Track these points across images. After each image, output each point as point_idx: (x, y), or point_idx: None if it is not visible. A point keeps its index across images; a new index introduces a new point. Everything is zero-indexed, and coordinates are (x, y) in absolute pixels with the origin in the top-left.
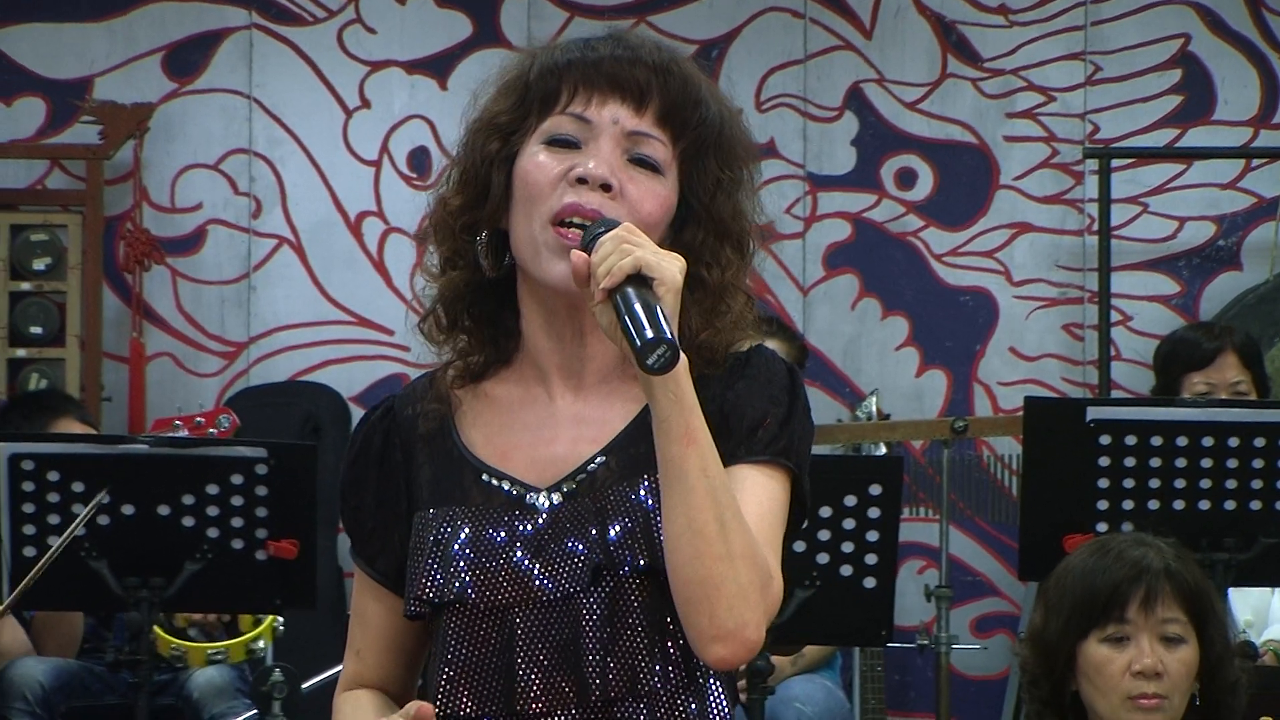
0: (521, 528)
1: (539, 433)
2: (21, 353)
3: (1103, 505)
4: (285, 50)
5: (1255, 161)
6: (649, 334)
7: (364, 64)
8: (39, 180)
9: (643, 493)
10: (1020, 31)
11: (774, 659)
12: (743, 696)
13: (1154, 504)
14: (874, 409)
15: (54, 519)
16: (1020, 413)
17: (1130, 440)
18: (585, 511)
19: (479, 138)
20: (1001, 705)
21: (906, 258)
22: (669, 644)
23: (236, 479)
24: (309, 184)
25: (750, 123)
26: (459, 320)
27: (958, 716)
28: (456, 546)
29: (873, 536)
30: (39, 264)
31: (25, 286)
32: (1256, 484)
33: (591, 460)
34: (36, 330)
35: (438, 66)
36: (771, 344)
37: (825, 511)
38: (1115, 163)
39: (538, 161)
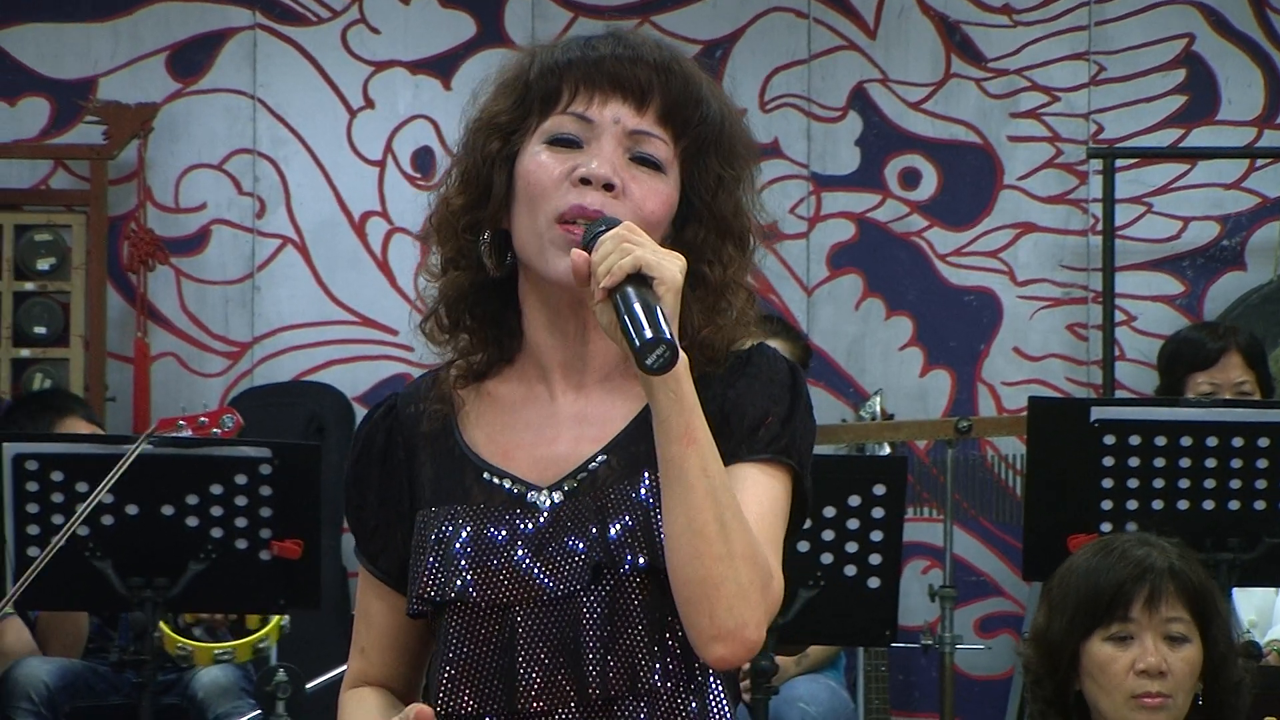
0: (522, 526)
1: (540, 431)
2: (26, 353)
3: (1107, 505)
4: (289, 50)
5: (1259, 161)
6: (648, 334)
7: (368, 64)
8: (43, 180)
9: (643, 491)
10: (1024, 31)
11: (778, 659)
12: (746, 696)
13: (1158, 504)
14: (878, 409)
15: (58, 519)
16: (1024, 413)
17: (1134, 440)
18: (586, 510)
19: (480, 137)
20: (1006, 705)
21: (910, 258)
22: (669, 642)
23: (240, 479)
24: (313, 184)
25: (754, 123)
26: (461, 320)
27: (962, 716)
28: (458, 545)
29: (877, 536)
30: (43, 264)
31: (29, 286)
32: (1260, 484)
33: (593, 459)
34: (41, 330)
35: (441, 66)
36: (775, 344)
37: (829, 511)
38: (1119, 163)
39: (540, 161)
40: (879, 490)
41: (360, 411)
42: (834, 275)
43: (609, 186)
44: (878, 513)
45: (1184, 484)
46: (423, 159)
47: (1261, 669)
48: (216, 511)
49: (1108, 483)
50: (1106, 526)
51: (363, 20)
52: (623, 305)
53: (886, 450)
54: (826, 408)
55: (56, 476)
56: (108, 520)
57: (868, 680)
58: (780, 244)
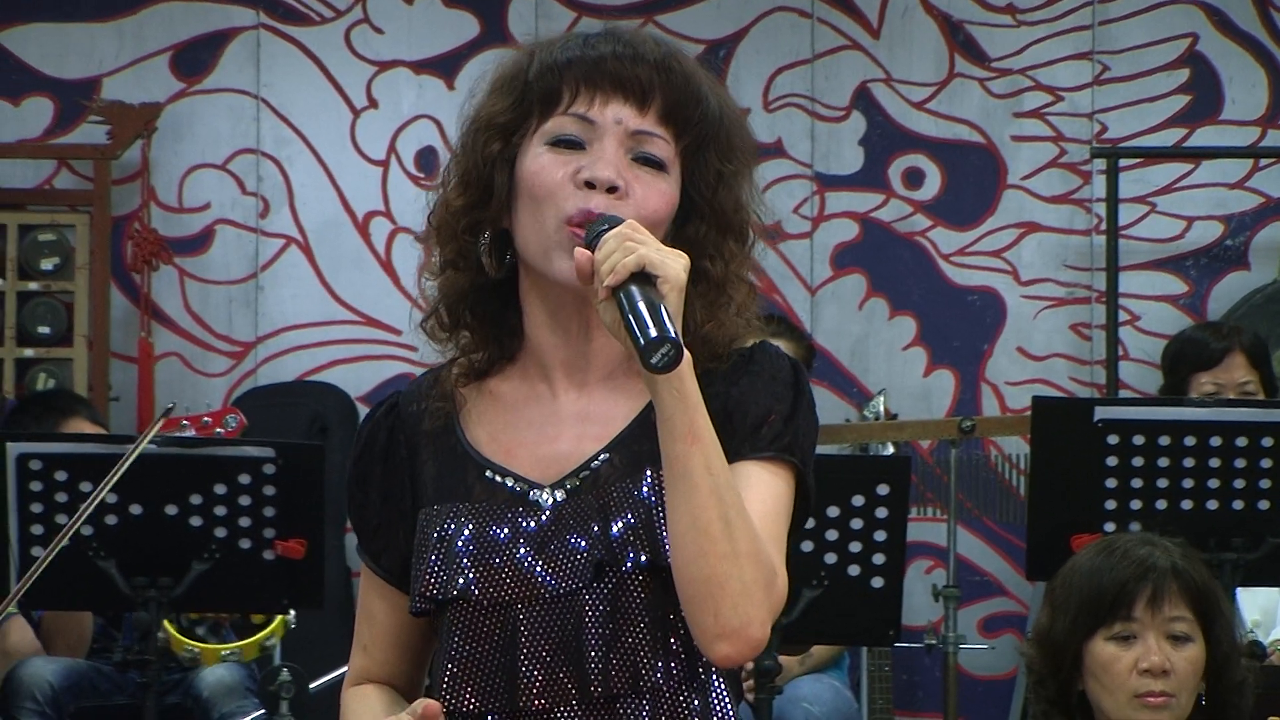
0: (525, 524)
1: (543, 430)
2: (29, 352)
3: (1110, 505)
4: (293, 50)
5: (1263, 161)
6: (653, 332)
7: (371, 64)
8: (47, 180)
9: (645, 489)
10: (1028, 31)
11: (781, 659)
12: (750, 696)
13: (1162, 504)
14: (881, 409)
15: (62, 519)
16: (1028, 412)
17: (1138, 440)
18: (588, 508)
19: (479, 138)
20: (1009, 705)
21: (914, 257)
22: (671, 640)
23: (244, 479)
24: (316, 184)
25: (758, 122)
26: (461, 319)
27: (965, 716)
28: (460, 543)
29: (880, 536)
30: (47, 264)
31: (33, 286)
32: (1264, 484)
33: (595, 457)
34: (44, 330)
35: (445, 66)
36: (778, 344)
37: (833, 511)
38: (1123, 162)
39: (542, 163)
40: (883, 490)
41: (364, 411)
42: (838, 275)
43: (613, 189)
44: (881, 513)
45: (1188, 484)
46: (426, 159)
47: (1265, 669)
48: (220, 511)
49: (1111, 482)
50: (1110, 526)
51: (366, 20)
52: (627, 304)
53: (890, 450)
54: (830, 408)
55: (60, 476)
56: (111, 520)
57: (871, 680)
58: (784, 244)
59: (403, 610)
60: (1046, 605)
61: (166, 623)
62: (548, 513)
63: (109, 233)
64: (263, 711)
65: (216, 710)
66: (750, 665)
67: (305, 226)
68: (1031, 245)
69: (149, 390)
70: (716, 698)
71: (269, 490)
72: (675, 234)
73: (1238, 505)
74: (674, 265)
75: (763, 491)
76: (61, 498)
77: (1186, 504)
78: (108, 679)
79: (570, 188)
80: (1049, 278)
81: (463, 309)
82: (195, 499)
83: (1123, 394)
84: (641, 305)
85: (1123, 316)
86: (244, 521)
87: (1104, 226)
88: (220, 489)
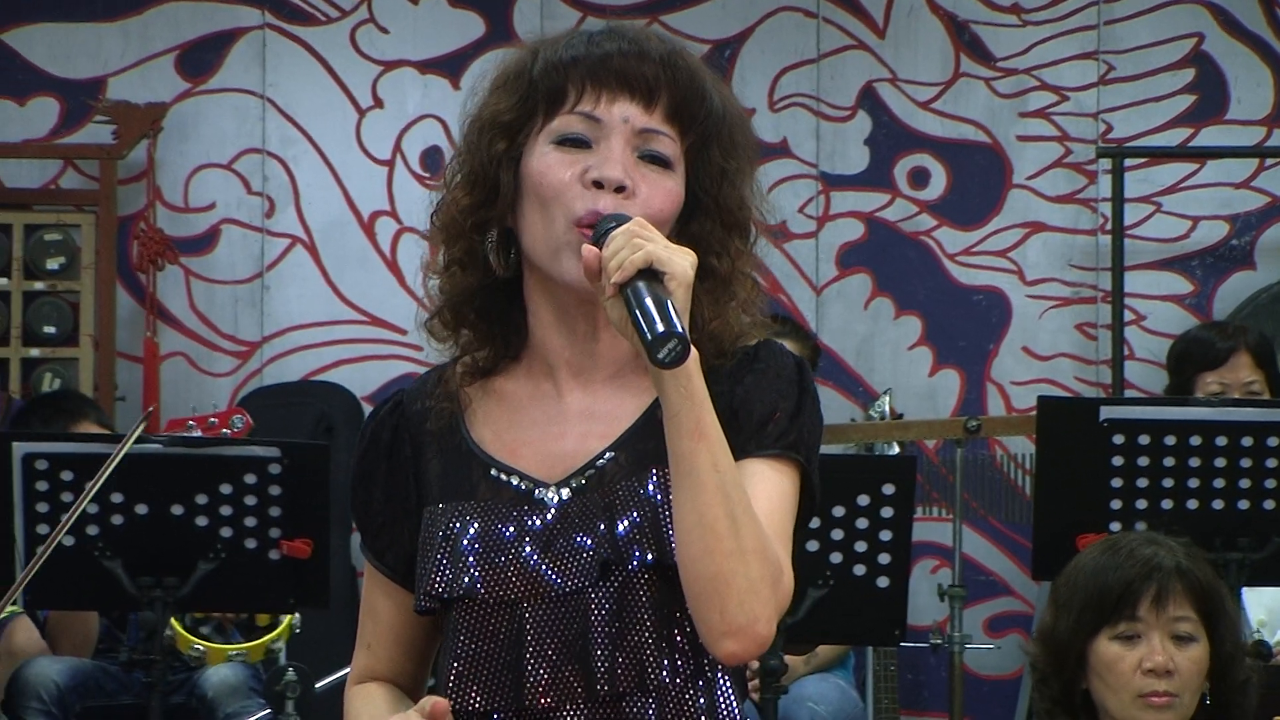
0: (530, 523)
1: (548, 428)
2: (35, 352)
3: (1116, 505)
4: (298, 50)
5: (1269, 161)
6: (660, 328)
7: (377, 64)
8: (53, 180)
9: (651, 487)
10: (1033, 31)
11: (787, 658)
12: (755, 696)
13: (1167, 503)
14: (887, 408)
15: None
16: (1033, 412)
17: (1144, 440)
18: (594, 506)
19: (484, 136)
20: (1015, 705)
21: (919, 257)
22: (678, 638)
23: (250, 478)
24: (322, 184)
25: (763, 122)
26: (466, 318)
27: (971, 716)
28: (466, 542)
29: (886, 536)
30: (53, 263)
31: (39, 286)
32: (1270, 483)
33: (600, 455)
34: (50, 330)
35: (450, 66)
36: (784, 343)
37: (838, 511)
38: (1128, 162)
39: (549, 162)
40: (888, 490)
41: (369, 411)
42: (843, 275)
43: (620, 188)
44: (887, 512)
45: (1193, 483)
46: (432, 159)
47: (1269, 668)
48: (226, 511)
49: (1117, 482)
50: (1116, 526)
51: (372, 20)
52: (634, 300)
53: (895, 450)
54: (835, 407)
55: (66, 476)
56: (117, 520)
57: (877, 680)
58: (789, 243)
59: (407, 608)
60: (1051, 604)
61: (174, 621)
62: (553, 511)
63: (115, 232)
64: (267, 711)
65: (221, 710)
66: (755, 664)
67: (311, 226)
68: (1037, 245)
69: (154, 390)
70: (722, 696)
71: (274, 490)
72: (680, 231)
73: (1243, 505)
74: (681, 262)
75: (768, 489)
76: (67, 497)
77: (1192, 504)
78: (113, 679)
79: (578, 188)
80: (1054, 277)
81: (468, 308)
82: (201, 499)
83: (1128, 394)
84: (649, 301)
85: (1128, 316)
86: (250, 521)
87: (1109, 226)
88: (226, 489)
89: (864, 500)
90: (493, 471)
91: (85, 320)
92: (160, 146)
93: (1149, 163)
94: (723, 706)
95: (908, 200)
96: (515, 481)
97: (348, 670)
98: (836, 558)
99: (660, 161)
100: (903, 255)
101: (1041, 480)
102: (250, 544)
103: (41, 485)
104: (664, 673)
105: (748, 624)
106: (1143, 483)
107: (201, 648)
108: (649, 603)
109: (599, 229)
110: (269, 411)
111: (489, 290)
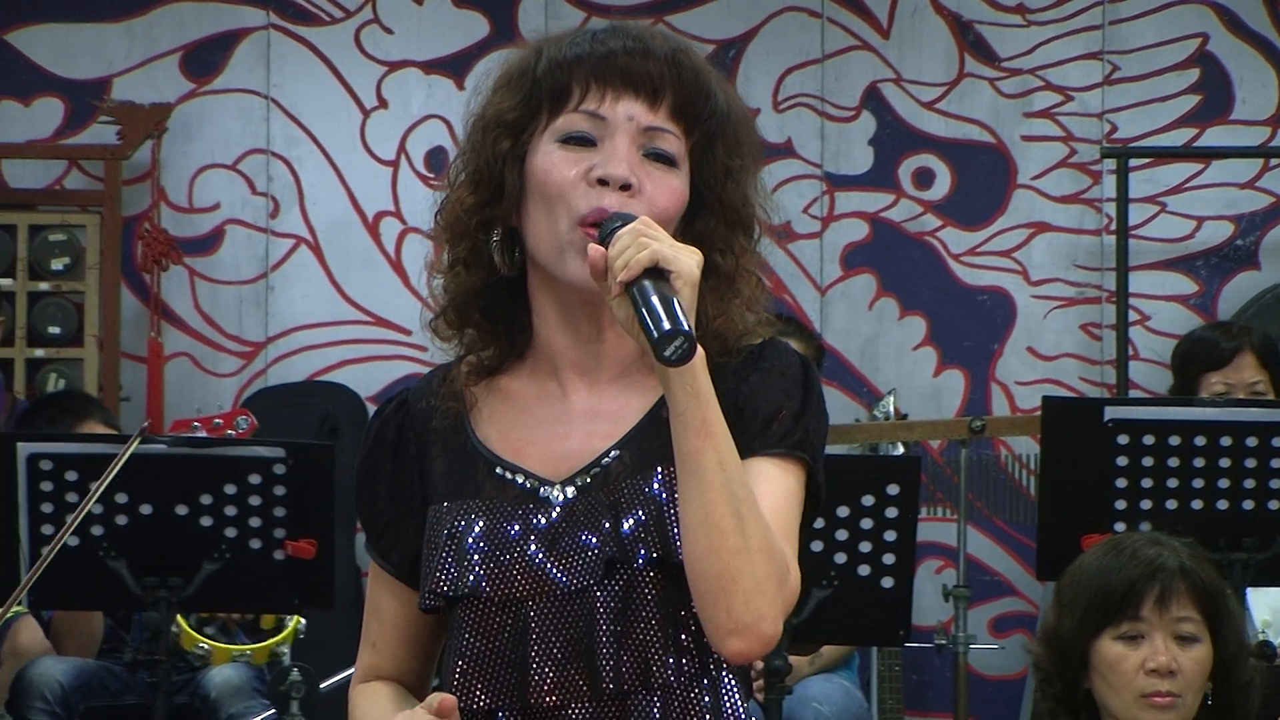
0: (535, 521)
1: (553, 427)
2: (40, 353)
3: (1121, 505)
4: (303, 50)
5: (1273, 161)
6: (666, 326)
7: (381, 64)
8: (57, 180)
9: (656, 485)
10: (1038, 31)
11: (792, 659)
12: (760, 696)
13: (1172, 504)
14: (891, 409)
15: None
16: (1038, 412)
17: (1148, 440)
18: (599, 505)
19: (489, 135)
20: (1020, 705)
21: (924, 257)
22: (682, 636)
23: (254, 479)
24: (327, 184)
25: (768, 122)
26: (470, 317)
27: (975, 716)
28: (471, 540)
29: (890, 536)
30: (57, 264)
31: (43, 286)
32: (1275, 484)
33: (605, 454)
34: (55, 330)
35: (455, 66)
36: (789, 343)
37: (843, 511)
38: (1133, 162)
39: (554, 161)
40: (893, 490)
41: (374, 411)
42: (847, 275)
43: (626, 186)
44: (891, 512)
45: (1198, 484)
46: (436, 159)
47: (1273, 669)
48: (230, 511)
49: (1121, 482)
50: (1120, 526)
51: (376, 20)
52: (640, 299)
53: (900, 450)
54: (840, 407)
55: (70, 476)
56: (122, 520)
57: (881, 680)
58: (794, 244)
59: (412, 607)
60: (1054, 604)
61: (179, 618)
62: (559, 510)
63: (119, 233)
64: (271, 711)
65: (224, 710)
66: (760, 665)
67: (315, 226)
68: (1041, 245)
69: (159, 390)
70: (727, 694)
71: (279, 490)
72: (684, 229)
73: (1248, 505)
74: (688, 261)
75: (774, 487)
76: (72, 498)
77: (1197, 504)
78: (117, 679)
79: (583, 186)
80: (1059, 278)
81: (473, 307)
82: (205, 499)
83: (1133, 394)
84: (654, 299)
85: (1133, 316)
86: (254, 521)
87: (1114, 226)
88: (230, 489)
89: (868, 500)
90: (498, 470)
91: (90, 321)
92: (165, 147)
93: (1154, 163)
94: (728, 706)
95: (912, 200)
96: (520, 480)
97: (352, 670)
98: (841, 558)
99: (665, 159)
100: (907, 255)
101: (1046, 480)
102: (255, 544)
103: (46, 486)
104: (669, 671)
105: (753, 622)
106: (1147, 483)
107: (207, 646)
108: (654, 601)
109: (604, 228)
110: (273, 412)
111: (493, 289)
